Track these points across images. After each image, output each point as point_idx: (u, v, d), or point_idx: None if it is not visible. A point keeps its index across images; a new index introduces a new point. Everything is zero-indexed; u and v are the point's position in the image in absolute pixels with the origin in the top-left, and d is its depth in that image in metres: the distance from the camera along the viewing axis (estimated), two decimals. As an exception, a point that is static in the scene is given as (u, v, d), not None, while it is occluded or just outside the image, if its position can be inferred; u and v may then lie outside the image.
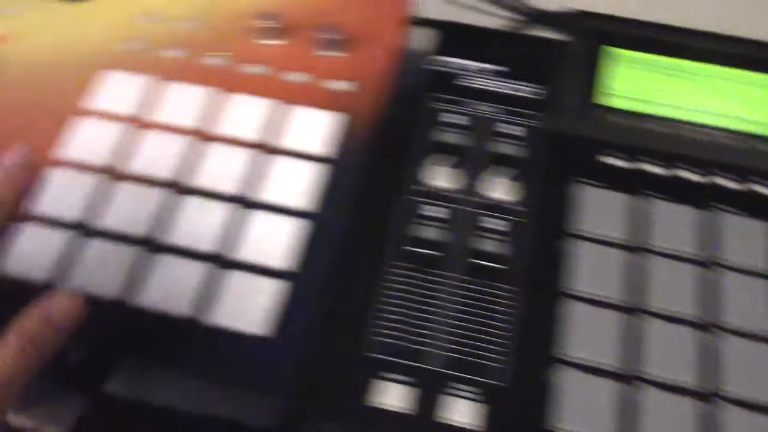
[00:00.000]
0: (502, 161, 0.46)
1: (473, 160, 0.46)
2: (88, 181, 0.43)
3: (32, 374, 0.33)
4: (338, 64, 0.48)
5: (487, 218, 0.44)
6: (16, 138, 0.45)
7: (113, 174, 0.44)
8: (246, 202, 0.43)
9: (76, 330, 0.36)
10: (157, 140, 0.45)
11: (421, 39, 0.53)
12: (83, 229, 0.42)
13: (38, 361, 0.33)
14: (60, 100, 0.46)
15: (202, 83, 0.47)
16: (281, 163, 0.44)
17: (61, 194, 0.43)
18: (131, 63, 0.48)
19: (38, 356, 0.34)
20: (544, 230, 0.43)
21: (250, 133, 0.45)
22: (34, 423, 0.39)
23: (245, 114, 0.46)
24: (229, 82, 0.47)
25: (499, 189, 0.45)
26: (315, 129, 0.45)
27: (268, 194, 0.43)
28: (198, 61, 0.48)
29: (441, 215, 0.44)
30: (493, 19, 0.60)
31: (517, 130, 0.47)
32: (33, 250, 0.41)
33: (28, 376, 0.33)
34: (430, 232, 0.43)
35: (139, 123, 0.45)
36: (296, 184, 0.43)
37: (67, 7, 0.51)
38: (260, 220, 0.42)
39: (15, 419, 0.38)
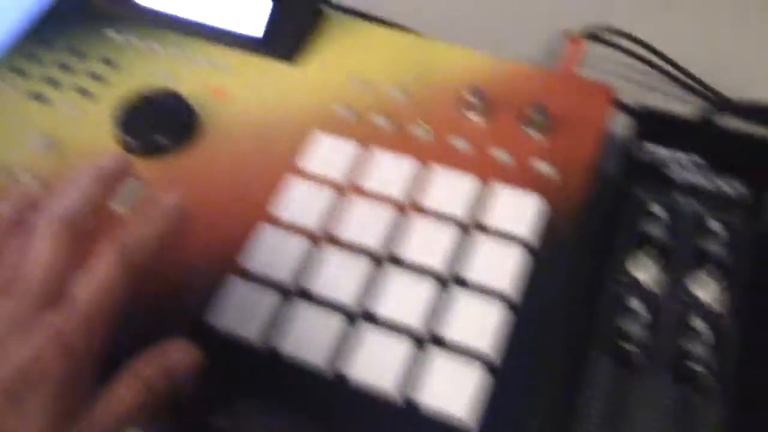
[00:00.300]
0: (707, 259, 0.44)
1: (678, 255, 0.45)
2: (297, 243, 0.44)
3: (142, 418, 0.34)
4: (542, 145, 0.48)
5: (692, 318, 0.42)
6: (230, 191, 0.47)
7: (321, 238, 0.45)
8: (450, 280, 0.43)
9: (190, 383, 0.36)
10: (364, 208, 0.45)
11: (626, 125, 0.52)
12: (290, 292, 0.43)
13: (149, 407, 0.34)
14: (272, 157, 0.48)
15: (408, 153, 0.48)
16: (484, 242, 0.44)
17: (271, 253, 0.44)
18: (341, 127, 0.49)
19: (150, 402, 0.34)
20: (751, 341, 0.41)
21: (452, 209, 0.45)
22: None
23: (448, 188, 0.46)
24: (433, 154, 0.48)
25: (704, 288, 0.43)
26: (517, 210, 0.45)
27: (471, 273, 0.43)
28: (405, 130, 0.49)
29: (644, 310, 0.43)
30: (688, 107, 0.59)
31: (724, 228, 0.45)
32: (241, 306, 0.42)
33: (138, 418, 0.33)
34: (634, 327, 0.42)
35: (347, 188, 0.46)
36: (498, 266, 0.43)
37: (281, 66, 0.53)
38: (463, 299, 0.42)
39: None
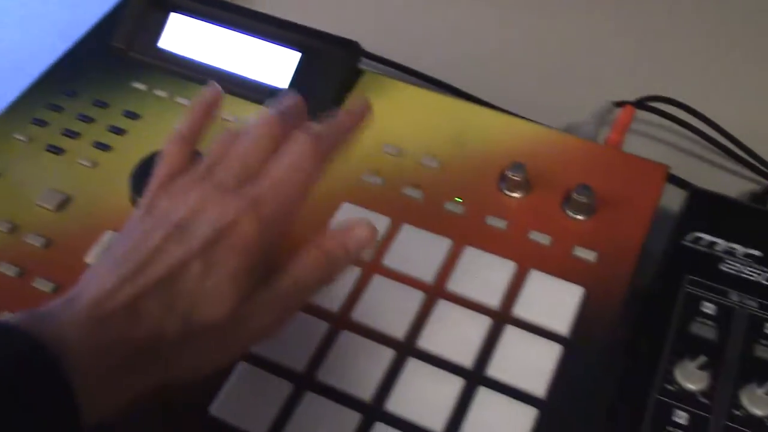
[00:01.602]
0: (766, 370, 0.40)
1: (732, 363, 0.40)
2: (316, 327, 0.41)
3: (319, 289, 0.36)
4: (584, 229, 0.44)
5: (744, 436, 0.38)
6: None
7: (340, 321, 0.41)
8: (475, 377, 0.39)
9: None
10: (389, 291, 0.42)
11: (675, 199, 0.48)
12: (305, 383, 0.39)
13: (328, 280, 0.37)
14: (296, 228, 0.45)
15: (438, 230, 0.44)
16: (512, 335, 0.40)
17: (285, 338, 0.40)
18: (371, 198, 0.46)
19: (329, 273, 0.37)
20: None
21: (481, 296, 0.42)
22: None
23: (478, 272, 0.43)
24: (467, 233, 0.44)
25: (759, 404, 0.39)
26: (553, 300, 0.41)
27: (499, 371, 0.39)
28: (436, 205, 0.46)
29: (691, 424, 0.38)
30: (743, 184, 0.55)
31: (785, 333, 0.41)
32: (249, 400, 0.39)
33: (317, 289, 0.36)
34: (681, 445, 0.38)
35: (372, 268, 0.43)
36: (528, 362, 0.39)
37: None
38: (488, 400, 0.38)
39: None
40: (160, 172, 0.37)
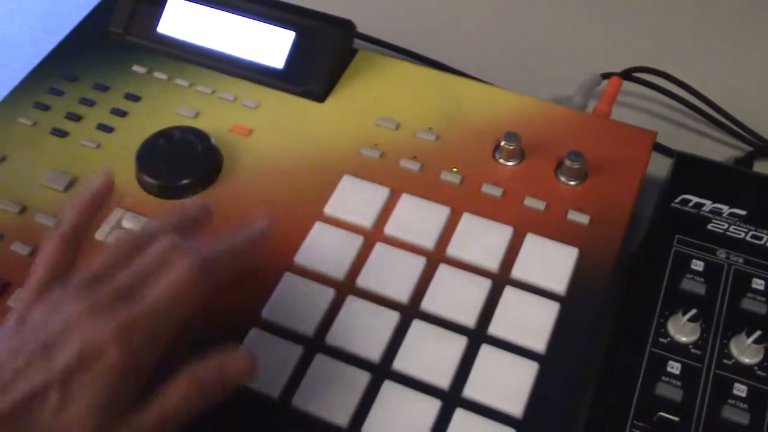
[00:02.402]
0: (753, 321, 0.42)
1: (721, 316, 0.42)
2: (322, 294, 0.42)
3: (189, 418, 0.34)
4: (576, 194, 0.46)
5: (735, 384, 0.40)
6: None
7: (346, 287, 0.43)
8: (478, 336, 0.41)
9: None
10: (391, 257, 0.44)
11: (663, 167, 0.50)
12: (314, 345, 0.41)
13: (199, 408, 0.34)
14: (298, 202, 0.47)
15: (438, 200, 0.46)
16: (512, 295, 0.42)
17: (293, 304, 0.42)
18: (370, 170, 0.48)
19: (201, 404, 0.34)
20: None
21: (481, 260, 0.43)
22: None
23: (477, 237, 0.44)
24: (464, 201, 0.46)
25: (748, 352, 0.41)
26: (549, 261, 0.43)
27: (500, 329, 0.41)
28: (434, 176, 0.47)
29: (684, 374, 0.40)
30: (727, 150, 0.57)
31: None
32: (263, 360, 0.40)
33: (186, 419, 0.34)
34: (675, 393, 0.40)
35: (374, 236, 0.45)
36: (527, 320, 0.41)
37: (308, 105, 0.51)
38: (491, 356, 0.40)
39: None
40: (38, 274, 0.35)
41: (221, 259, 0.36)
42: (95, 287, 0.34)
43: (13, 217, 0.47)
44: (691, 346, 0.41)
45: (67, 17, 0.57)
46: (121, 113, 0.52)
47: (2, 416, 0.30)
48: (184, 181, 0.47)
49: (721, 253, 0.45)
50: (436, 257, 0.44)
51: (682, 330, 0.41)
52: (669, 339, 0.42)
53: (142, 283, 0.34)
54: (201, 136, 0.48)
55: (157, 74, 0.53)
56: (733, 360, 0.41)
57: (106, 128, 0.51)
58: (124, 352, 0.32)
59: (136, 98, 0.52)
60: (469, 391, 0.39)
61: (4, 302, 0.43)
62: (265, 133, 0.50)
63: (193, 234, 0.38)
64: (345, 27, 0.53)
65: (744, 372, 0.40)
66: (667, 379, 0.40)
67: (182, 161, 0.47)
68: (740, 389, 0.40)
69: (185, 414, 0.33)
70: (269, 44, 0.53)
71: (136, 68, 0.54)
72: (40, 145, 0.50)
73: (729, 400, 0.39)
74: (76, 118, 0.51)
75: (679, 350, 0.41)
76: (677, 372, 0.40)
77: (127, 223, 0.45)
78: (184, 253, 0.34)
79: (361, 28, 0.56)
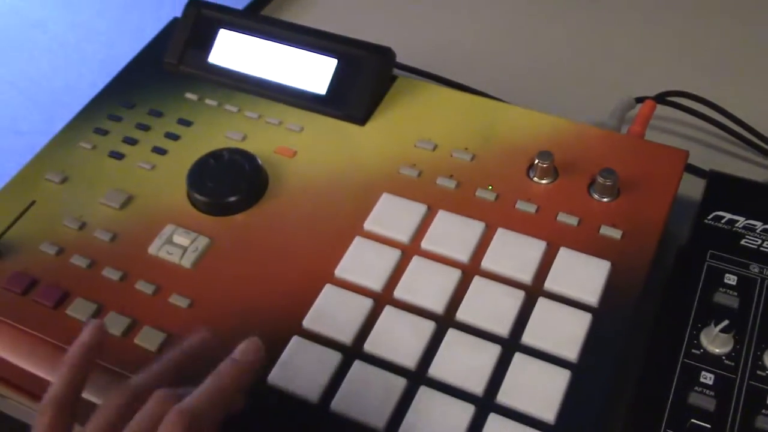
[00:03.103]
0: (787, 333, 0.42)
1: (755, 328, 0.43)
2: (360, 304, 0.44)
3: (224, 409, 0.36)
4: (609, 210, 0.47)
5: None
6: (297, 249, 0.47)
7: (383, 298, 0.45)
8: (511, 345, 0.42)
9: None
10: (429, 271, 0.45)
11: (696, 189, 0.51)
12: (352, 353, 0.42)
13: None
14: (339, 218, 0.49)
15: (472, 216, 0.48)
16: (545, 306, 0.43)
17: (333, 314, 0.44)
18: (408, 188, 0.50)
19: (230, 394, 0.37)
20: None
21: (515, 272, 0.45)
22: None
23: (511, 251, 0.46)
24: (500, 217, 0.47)
25: (783, 364, 0.41)
26: (582, 274, 0.44)
27: (533, 338, 0.42)
28: (470, 193, 0.49)
29: (717, 384, 0.41)
30: (759, 170, 0.58)
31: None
32: (304, 367, 0.42)
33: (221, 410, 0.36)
34: (708, 403, 0.40)
35: (412, 251, 0.47)
36: (560, 330, 0.42)
37: (350, 128, 0.54)
38: (524, 364, 0.41)
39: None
40: None
41: (211, 408, 0.36)
42: None
43: (73, 232, 0.50)
44: (724, 357, 0.42)
45: (122, 63, 0.61)
46: (174, 137, 0.55)
47: None
48: (232, 199, 0.49)
49: (755, 268, 0.45)
50: (471, 270, 0.45)
51: (715, 341, 0.42)
52: (702, 350, 0.42)
53: None
54: (248, 157, 0.51)
55: (208, 101, 0.57)
56: (767, 371, 0.41)
57: (160, 151, 0.54)
58: None
59: (188, 123, 0.56)
60: (503, 397, 0.40)
61: (63, 311, 0.46)
62: (309, 154, 0.53)
63: (190, 370, 0.38)
64: (384, 54, 0.55)
65: (777, 383, 0.41)
66: (700, 389, 0.41)
67: (230, 180, 0.50)
68: (772, 400, 0.40)
69: (221, 407, 0.36)
70: (312, 71, 0.56)
71: (188, 95, 0.57)
72: (99, 167, 0.54)
73: (763, 410, 0.40)
74: (132, 141, 0.55)
75: (712, 361, 0.42)
76: (710, 382, 0.41)
77: (178, 238, 0.48)
78: (175, 416, 0.34)
79: (400, 58, 0.58)
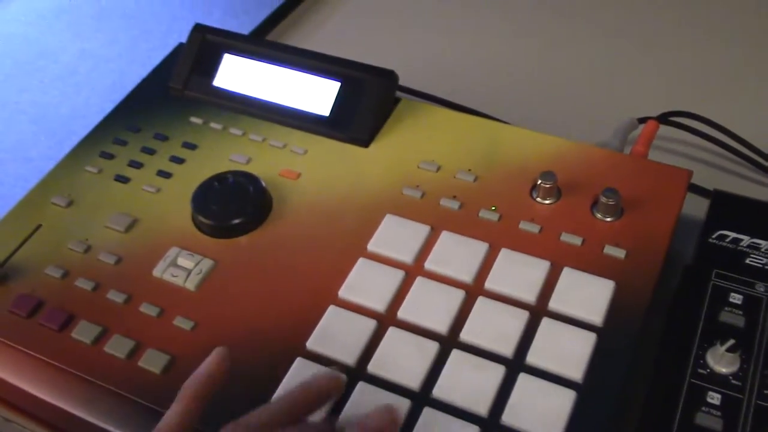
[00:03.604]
0: (793, 352, 0.42)
1: (761, 348, 0.42)
2: (365, 326, 0.44)
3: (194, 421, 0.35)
4: (613, 230, 0.47)
5: (777, 416, 0.40)
6: (300, 271, 0.47)
7: (387, 319, 0.44)
8: (515, 365, 0.42)
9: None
10: (432, 291, 0.45)
11: (700, 208, 0.51)
12: (355, 372, 0.42)
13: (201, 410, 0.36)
14: (343, 240, 0.49)
15: (475, 236, 0.48)
16: (550, 326, 0.43)
17: (337, 335, 0.44)
18: (411, 209, 0.50)
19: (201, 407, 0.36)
20: None
21: (518, 292, 0.45)
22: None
23: (514, 271, 0.46)
24: (503, 237, 0.47)
25: (790, 384, 0.41)
26: (586, 294, 0.44)
27: (538, 358, 0.42)
28: (473, 214, 0.49)
29: (724, 404, 0.40)
30: (763, 189, 0.57)
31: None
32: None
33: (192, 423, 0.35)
34: (715, 423, 0.40)
35: (416, 271, 0.47)
36: (564, 350, 0.42)
37: (354, 150, 0.54)
38: (528, 385, 0.41)
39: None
40: None
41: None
42: None
43: (78, 255, 0.50)
44: (731, 377, 0.42)
45: (129, 88, 0.62)
46: (179, 160, 0.55)
47: None
48: (236, 221, 0.50)
49: (760, 287, 0.45)
50: (474, 290, 0.45)
51: (721, 361, 0.42)
52: (708, 370, 0.42)
53: None
54: (252, 180, 0.51)
55: (213, 124, 0.57)
56: (774, 391, 0.41)
57: (165, 174, 0.54)
58: None
59: (193, 147, 0.56)
60: (508, 418, 0.40)
61: (68, 334, 0.46)
62: (313, 176, 0.53)
63: (316, 408, 0.37)
64: (388, 77, 0.56)
65: (785, 403, 0.40)
66: (707, 409, 0.40)
67: (234, 203, 0.50)
68: (782, 420, 0.40)
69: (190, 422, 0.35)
70: (316, 94, 0.56)
71: (193, 119, 0.58)
72: (104, 190, 0.54)
73: (770, 430, 0.39)
74: (137, 165, 0.55)
75: (718, 381, 0.41)
76: (717, 402, 0.41)
77: (182, 260, 0.48)
78: None
79: (403, 80, 0.59)
